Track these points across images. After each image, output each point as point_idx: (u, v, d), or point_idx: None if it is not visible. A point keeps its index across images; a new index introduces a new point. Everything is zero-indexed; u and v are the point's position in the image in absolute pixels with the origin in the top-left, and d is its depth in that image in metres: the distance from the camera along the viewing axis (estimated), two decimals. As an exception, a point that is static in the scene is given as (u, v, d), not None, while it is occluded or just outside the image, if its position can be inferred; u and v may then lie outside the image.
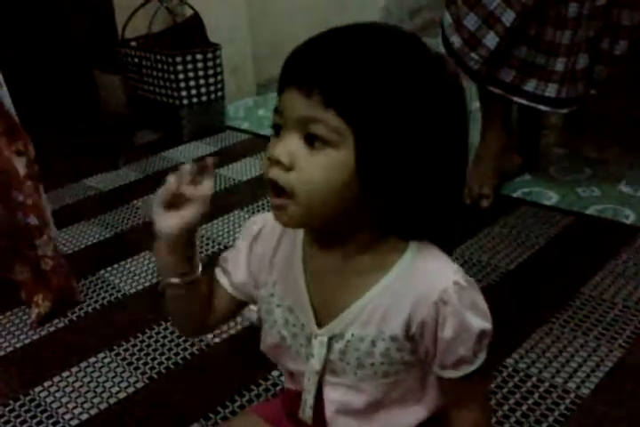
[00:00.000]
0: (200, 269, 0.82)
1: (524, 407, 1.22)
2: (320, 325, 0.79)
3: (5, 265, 1.61)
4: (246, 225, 0.86)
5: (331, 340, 0.78)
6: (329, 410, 0.83)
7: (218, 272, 0.88)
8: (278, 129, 0.70)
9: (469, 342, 0.73)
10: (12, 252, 1.58)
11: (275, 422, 0.92)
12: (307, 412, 0.85)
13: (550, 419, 1.19)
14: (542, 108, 1.87)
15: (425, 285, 0.72)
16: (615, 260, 1.65)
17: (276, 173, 0.68)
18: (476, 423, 0.80)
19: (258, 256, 0.83)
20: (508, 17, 1.75)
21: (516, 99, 1.90)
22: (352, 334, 0.76)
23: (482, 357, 0.76)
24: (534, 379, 1.28)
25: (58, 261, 1.57)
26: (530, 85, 1.86)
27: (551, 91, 1.84)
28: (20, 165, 1.47)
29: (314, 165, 0.66)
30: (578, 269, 1.62)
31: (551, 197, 1.97)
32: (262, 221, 0.84)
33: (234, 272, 0.86)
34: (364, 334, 0.76)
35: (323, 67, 0.65)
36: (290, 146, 0.67)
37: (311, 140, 0.66)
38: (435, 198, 0.71)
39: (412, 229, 0.74)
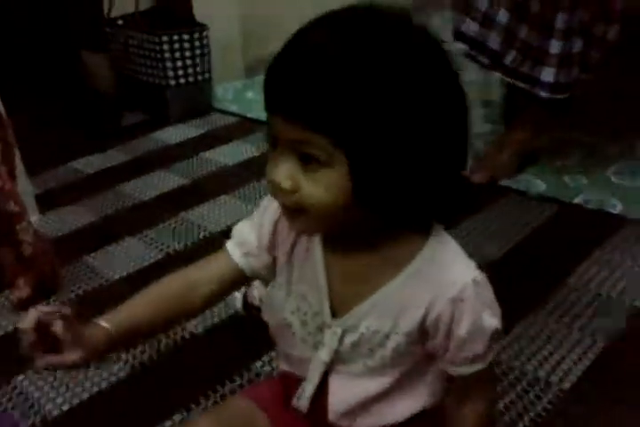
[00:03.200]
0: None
1: (507, 400, 1.22)
2: (334, 315, 0.79)
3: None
4: (262, 209, 0.83)
5: (344, 332, 0.78)
6: (332, 399, 0.83)
7: (231, 243, 0.85)
8: (274, 143, 0.69)
9: (484, 339, 0.74)
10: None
11: (266, 406, 0.92)
12: (303, 401, 0.85)
13: (532, 413, 1.19)
14: (542, 94, 1.86)
15: (443, 280, 0.73)
16: (601, 250, 1.64)
17: (282, 199, 0.70)
18: (479, 415, 0.82)
19: (280, 237, 0.82)
20: None
21: (515, 82, 1.90)
22: (366, 327, 0.77)
23: (491, 355, 0.77)
24: (517, 372, 1.29)
25: (39, 246, 1.56)
26: (525, 67, 1.86)
27: (549, 74, 1.83)
28: None
29: (314, 185, 0.66)
30: (563, 259, 1.62)
31: (539, 186, 1.97)
32: (278, 210, 0.80)
33: (250, 244, 0.83)
34: (379, 327, 0.76)
35: (299, 92, 0.64)
36: (288, 169, 0.67)
37: (306, 160, 0.66)
38: (433, 196, 0.70)
39: (419, 223, 0.74)
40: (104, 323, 0.80)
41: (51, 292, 1.60)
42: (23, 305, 1.54)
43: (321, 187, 0.66)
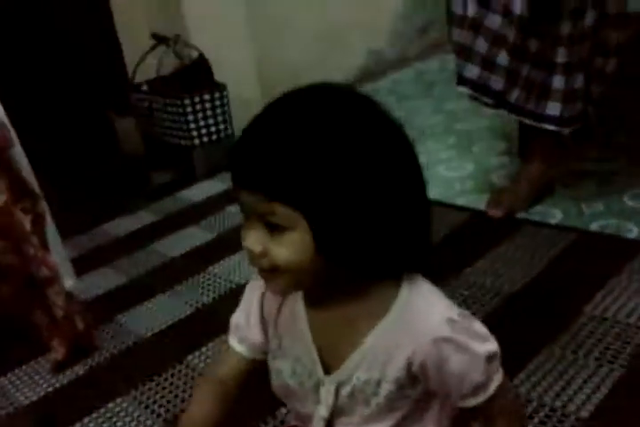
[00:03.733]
0: None
1: (525, 433, 1.24)
2: (326, 372, 0.84)
3: (25, 309, 1.68)
4: (248, 291, 0.92)
5: (338, 387, 0.83)
6: None
7: (232, 340, 0.94)
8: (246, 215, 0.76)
9: (479, 368, 0.77)
10: (30, 298, 1.64)
11: None
12: None
13: (550, 443, 1.21)
14: (548, 127, 1.90)
15: (420, 325, 0.77)
16: (618, 276, 1.66)
17: (256, 262, 0.75)
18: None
19: (267, 308, 0.90)
20: (510, 33, 1.83)
21: (521, 119, 1.95)
22: (357, 378, 0.81)
23: (497, 377, 0.80)
24: (535, 403, 1.30)
25: (71, 309, 1.64)
26: (531, 104, 1.90)
27: (554, 109, 1.88)
28: (27, 222, 1.55)
29: (280, 248, 0.73)
30: (580, 288, 1.64)
31: (555, 215, 1.99)
32: (262, 286, 0.89)
33: (251, 335, 0.92)
34: (369, 377, 0.80)
35: (259, 168, 0.70)
36: (257, 237, 0.74)
37: (272, 227, 0.72)
38: (400, 242, 0.76)
39: (388, 273, 0.79)
40: None
41: (86, 352, 1.67)
42: (60, 366, 1.62)
43: (287, 248, 0.72)
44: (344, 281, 0.78)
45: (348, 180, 0.70)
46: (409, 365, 0.78)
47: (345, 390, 0.82)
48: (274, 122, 0.73)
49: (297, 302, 0.86)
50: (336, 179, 0.69)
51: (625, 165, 2.19)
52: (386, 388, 0.80)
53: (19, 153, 1.73)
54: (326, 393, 0.84)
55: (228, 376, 0.95)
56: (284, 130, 0.71)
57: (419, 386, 0.81)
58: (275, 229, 0.72)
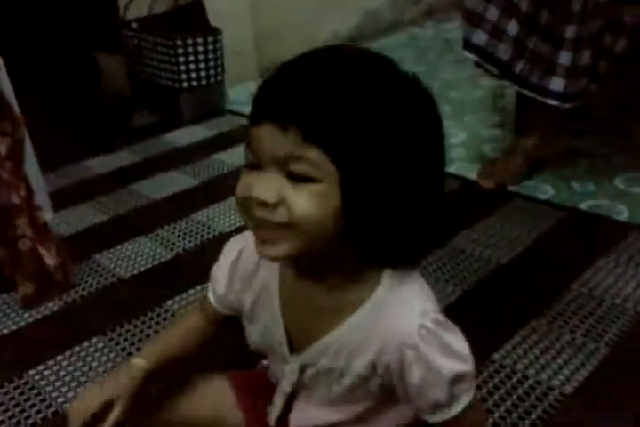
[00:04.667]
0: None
1: (508, 403, 1.24)
2: (293, 350, 0.81)
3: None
4: (228, 245, 0.87)
5: (303, 367, 0.81)
6: (292, 424, 0.87)
7: (209, 292, 0.91)
8: (251, 166, 0.68)
9: (441, 386, 0.71)
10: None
11: (241, 398, 0.96)
12: (271, 418, 0.90)
13: (533, 415, 1.21)
14: (550, 101, 1.88)
15: (391, 327, 0.72)
16: (606, 257, 1.66)
17: (263, 213, 0.66)
18: None
19: (238, 278, 0.85)
20: (524, 3, 1.81)
21: (524, 91, 1.93)
22: (322, 365, 0.78)
23: (464, 400, 0.73)
24: (519, 375, 1.30)
25: (44, 241, 1.58)
26: (535, 77, 1.88)
27: (558, 84, 1.86)
28: (3, 145, 1.48)
29: (301, 196, 0.64)
30: (569, 264, 1.64)
31: (546, 191, 1.98)
32: (242, 244, 0.84)
33: (217, 288, 0.88)
34: (334, 366, 0.77)
35: (299, 98, 0.63)
36: (272, 185, 0.65)
37: (294, 177, 0.64)
38: (416, 225, 0.70)
39: (391, 257, 0.72)
40: (139, 360, 0.90)
41: (61, 289, 1.62)
42: (29, 302, 1.57)
43: (309, 198, 0.64)
44: (342, 260, 0.72)
45: (388, 135, 0.65)
46: (374, 364, 0.74)
47: (309, 372, 0.80)
48: (318, 64, 0.66)
49: (273, 271, 0.80)
50: (379, 134, 0.64)
51: (619, 148, 2.19)
52: (349, 379, 0.77)
53: (3, 77, 1.66)
54: (290, 371, 0.82)
55: (206, 319, 0.94)
56: (331, 72, 0.65)
57: (382, 386, 0.77)
58: (296, 179, 0.64)
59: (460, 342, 0.72)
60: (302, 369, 0.81)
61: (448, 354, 0.71)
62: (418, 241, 0.71)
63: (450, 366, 0.71)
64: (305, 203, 0.64)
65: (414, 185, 0.67)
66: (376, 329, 0.72)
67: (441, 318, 0.72)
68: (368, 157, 0.64)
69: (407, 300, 0.73)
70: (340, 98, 0.63)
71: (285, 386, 0.85)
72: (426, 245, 0.74)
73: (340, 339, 0.75)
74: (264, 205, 0.65)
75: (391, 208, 0.66)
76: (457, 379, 0.71)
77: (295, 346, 0.81)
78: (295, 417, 0.87)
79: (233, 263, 0.85)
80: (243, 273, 0.84)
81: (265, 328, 0.83)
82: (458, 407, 0.73)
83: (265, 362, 1.00)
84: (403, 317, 0.71)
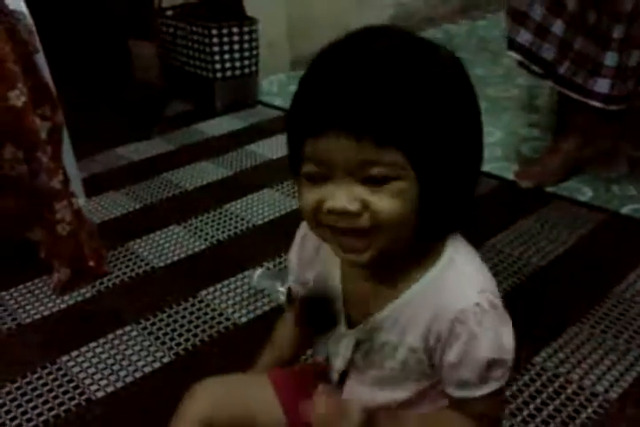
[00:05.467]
0: None
1: (551, 408, 1.21)
2: (350, 326, 0.81)
3: (25, 224, 1.61)
4: (297, 233, 0.88)
5: (358, 342, 0.80)
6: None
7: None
8: (316, 178, 0.66)
9: (475, 368, 0.71)
10: (33, 212, 1.56)
11: (283, 394, 0.94)
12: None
13: (577, 421, 1.18)
14: (594, 103, 1.84)
15: (447, 300, 0.71)
16: (648, 261, 1.63)
17: (347, 223, 0.65)
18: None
19: (305, 259, 0.86)
20: (570, 2, 1.78)
21: (567, 92, 1.89)
22: (377, 338, 0.78)
23: (493, 385, 0.73)
24: (562, 379, 1.27)
25: (79, 227, 1.57)
26: (579, 78, 1.85)
27: (603, 86, 1.82)
28: (43, 130, 1.46)
29: (386, 203, 0.64)
30: (610, 269, 1.60)
31: (585, 193, 1.95)
32: (304, 230, 0.85)
33: (291, 267, 0.90)
34: (388, 340, 0.77)
35: (370, 105, 0.61)
36: (352, 193, 0.64)
37: (372, 181, 0.63)
38: (469, 199, 0.71)
39: (450, 228, 0.73)
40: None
41: (96, 276, 1.61)
42: (64, 287, 1.56)
43: (391, 199, 0.64)
44: (404, 241, 0.70)
45: (450, 124, 0.65)
46: (426, 336, 0.73)
47: (363, 348, 0.80)
48: (372, 61, 0.63)
49: (332, 256, 0.79)
50: (442, 123, 0.64)
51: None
52: (402, 353, 0.76)
53: (42, 61, 1.65)
54: (345, 347, 0.82)
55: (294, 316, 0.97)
56: (390, 71, 0.62)
57: (430, 365, 0.76)
58: (373, 182, 0.63)
59: (507, 332, 0.72)
60: (357, 344, 0.80)
61: (493, 340, 0.70)
62: (470, 207, 0.72)
63: (490, 352, 0.70)
64: (387, 204, 0.64)
65: (470, 158, 0.69)
66: (432, 302, 0.72)
67: (498, 302, 0.72)
68: (436, 146, 0.64)
69: (467, 275, 0.72)
70: (405, 95, 0.62)
71: (339, 364, 0.84)
72: (473, 210, 0.74)
73: (395, 312, 0.75)
74: (348, 214, 0.64)
75: (457, 185, 0.68)
76: (492, 365, 0.71)
77: (353, 321, 0.80)
78: (346, 396, 0.85)
79: (299, 246, 0.87)
80: (307, 254, 0.85)
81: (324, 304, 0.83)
82: (485, 390, 0.73)
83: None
84: (461, 291, 0.71)
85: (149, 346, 1.39)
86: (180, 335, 1.42)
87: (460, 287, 0.71)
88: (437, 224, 0.70)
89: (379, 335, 0.77)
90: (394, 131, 0.61)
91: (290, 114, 0.68)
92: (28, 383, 1.30)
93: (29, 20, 1.55)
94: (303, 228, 0.86)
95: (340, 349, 0.83)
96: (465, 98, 0.67)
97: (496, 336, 0.70)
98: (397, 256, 0.72)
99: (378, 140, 0.61)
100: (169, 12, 2.73)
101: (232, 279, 1.59)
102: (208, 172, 2.15)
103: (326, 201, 0.65)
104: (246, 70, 2.62)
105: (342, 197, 0.64)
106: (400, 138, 0.62)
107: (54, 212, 1.53)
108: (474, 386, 0.72)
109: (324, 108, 0.62)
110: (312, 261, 0.85)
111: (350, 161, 0.62)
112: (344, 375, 0.86)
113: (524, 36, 1.90)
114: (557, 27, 1.84)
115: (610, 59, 1.80)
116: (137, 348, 1.39)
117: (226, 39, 2.53)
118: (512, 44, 1.93)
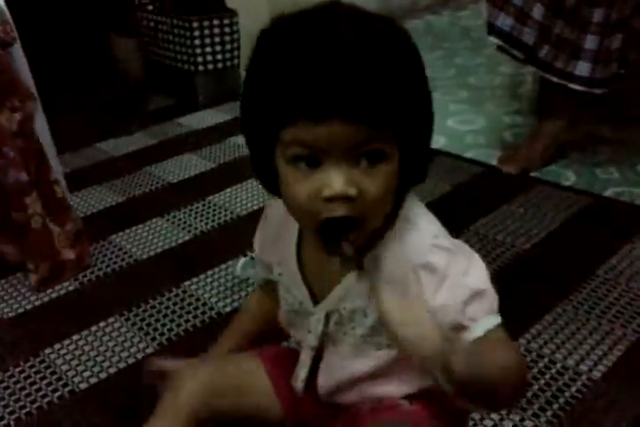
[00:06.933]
0: None
1: (535, 388, 1.21)
2: (316, 302, 0.81)
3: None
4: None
5: (327, 316, 0.80)
6: (320, 380, 0.86)
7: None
8: (306, 160, 0.65)
9: (456, 305, 0.68)
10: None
11: (273, 372, 0.93)
12: (299, 383, 0.88)
13: (561, 400, 1.18)
14: (575, 86, 1.84)
15: (405, 253, 0.71)
16: (632, 243, 1.63)
17: (346, 210, 0.65)
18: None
19: (266, 238, 0.88)
20: None
21: (549, 76, 1.89)
22: (344, 308, 0.78)
23: (484, 323, 0.69)
24: (546, 360, 1.27)
25: (56, 217, 1.56)
26: (560, 62, 1.85)
27: (583, 69, 1.82)
28: (14, 121, 1.45)
29: (376, 184, 0.65)
30: (593, 251, 1.61)
31: (569, 178, 1.95)
32: (266, 212, 0.88)
33: (255, 250, 0.92)
34: (356, 306, 0.77)
35: (366, 93, 0.62)
36: (348, 175, 0.64)
37: (368, 158, 0.64)
38: (430, 158, 0.73)
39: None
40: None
41: (76, 269, 1.60)
42: (43, 282, 1.55)
43: (381, 180, 0.65)
44: None
45: (419, 94, 0.68)
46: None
47: (333, 319, 0.80)
48: (349, 45, 0.62)
49: (291, 232, 0.81)
50: (414, 96, 0.67)
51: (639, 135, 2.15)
52: (371, 318, 0.76)
53: (19, 53, 1.63)
54: (316, 322, 0.82)
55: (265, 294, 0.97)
56: (370, 55, 0.63)
57: None
58: (368, 159, 0.64)
59: (476, 261, 0.71)
60: (327, 317, 0.80)
61: (463, 272, 0.69)
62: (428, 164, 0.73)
63: (464, 283, 0.69)
64: (376, 188, 0.65)
65: (431, 122, 0.70)
66: (392, 260, 0.72)
67: (455, 241, 0.72)
68: (414, 124, 0.67)
69: (420, 227, 0.73)
70: (389, 78, 0.63)
71: (311, 340, 0.84)
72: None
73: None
74: (345, 199, 0.64)
75: (425, 149, 0.71)
76: (473, 297, 0.69)
77: (318, 298, 0.81)
78: (321, 376, 0.86)
79: (262, 229, 0.89)
80: (268, 233, 0.87)
81: (286, 289, 0.84)
82: (477, 330, 0.69)
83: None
84: (416, 241, 0.72)
85: (132, 337, 1.39)
86: (164, 326, 1.41)
87: (414, 239, 0.72)
88: (407, 191, 0.72)
89: (346, 304, 0.78)
90: (388, 113, 0.63)
91: (260, 101, 0.67)
92: (11, 377, 1.29)
93: (3, 8, 1.53)
94: (266, 210, 0.88)
95: (311, 326, 0.83)
96: (422, 66, 0.68)
97: (465, 268, 0.70)
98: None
99: (374, 123, 0.63)
100: (149, 6, 2.72)
101: (216, 269, 1.58)
102: (191, 164, 2.14)
103: (324, 189, 0.64)
104: (228, 63, 2.61)
105: (338, 181, 0.63)
106: (391, 118, 0.64)
107: (26, 208, 1.50)
108: (466, 329, 0.69)
109: (318, 99, 0.62)
110: (274, 243, 0.85)
111: (349, 144, 0.63)
112: (320, 353, 0.85)
113: (505, 21, 1.89)
114: (537, 11, 1.84)
115: (590, 42, 1.80)
116: (120, 339, 1.38)
117: (207, 32, 2.53)
118: (492, 29, 1.93)
